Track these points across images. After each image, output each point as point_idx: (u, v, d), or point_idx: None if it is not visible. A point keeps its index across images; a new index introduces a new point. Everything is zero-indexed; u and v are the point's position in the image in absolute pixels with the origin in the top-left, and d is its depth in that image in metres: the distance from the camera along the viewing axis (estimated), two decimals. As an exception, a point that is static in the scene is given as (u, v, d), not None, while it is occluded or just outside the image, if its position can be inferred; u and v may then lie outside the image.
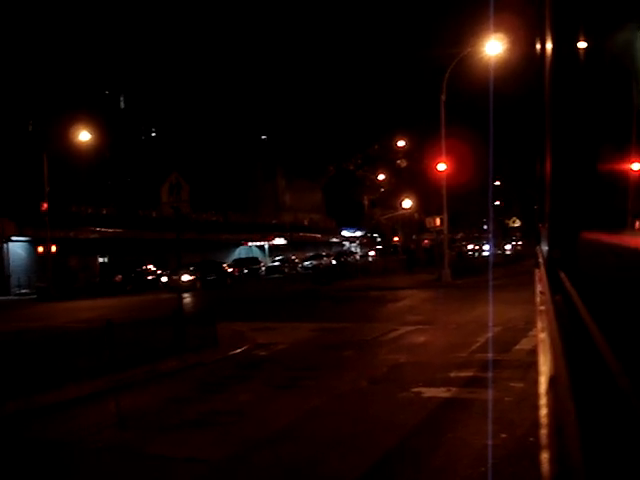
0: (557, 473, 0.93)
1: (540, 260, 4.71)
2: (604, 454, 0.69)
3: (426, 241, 64.41)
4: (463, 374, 10.15)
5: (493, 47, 30.04)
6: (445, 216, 32.10)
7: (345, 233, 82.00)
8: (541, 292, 3.63)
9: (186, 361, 12.42)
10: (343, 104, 63.30)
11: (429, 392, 9.07)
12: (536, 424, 6.73)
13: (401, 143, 52.09)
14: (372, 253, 66.13)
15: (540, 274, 4.33)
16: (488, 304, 19.84)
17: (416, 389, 9.26)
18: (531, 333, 13.74)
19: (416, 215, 63.06)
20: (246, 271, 53.41)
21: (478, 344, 12.96)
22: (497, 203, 72.16)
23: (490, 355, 11.64)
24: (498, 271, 37.61)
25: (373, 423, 7.75)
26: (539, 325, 2.87)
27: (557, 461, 0.97)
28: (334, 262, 63.46)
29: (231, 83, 74.19)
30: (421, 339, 14.28)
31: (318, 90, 69.66)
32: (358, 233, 78.29)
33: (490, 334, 14.20)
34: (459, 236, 75.10)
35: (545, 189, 2.95)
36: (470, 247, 70.77)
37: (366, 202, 61.22)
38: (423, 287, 29.69)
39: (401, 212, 48.27)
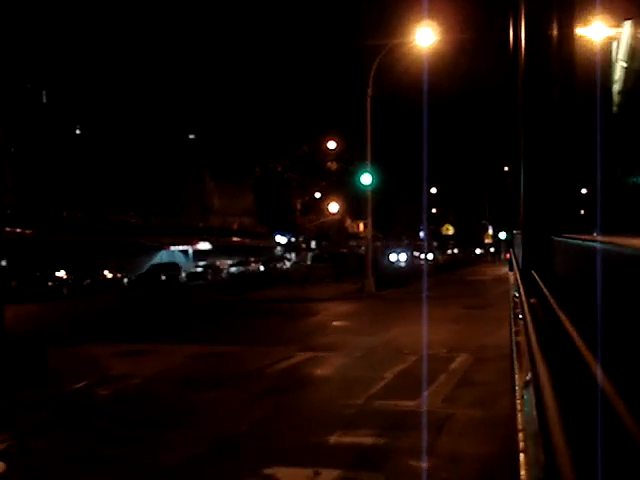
0: (536, 474, 0.95)
1: (514, 264, 4.82)
2: (590, 452, 0.71)
3: (363, 248, 61.70)
4: (347, 439, 7.10)
5: (425, 37, 27.37)
6: (369, 221, 29.21)
7: (281, 239, 78.66)
8: (515, 296, 3.52)
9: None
10: (274, 103, 60.34)
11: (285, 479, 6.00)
12: None
13: (332, 145, 49.37)
14: (290, 259, 62.88)
15: (514, 277, 4.29)
16: (408, 322, 17.10)
17: (269, 470, 6.17)
18: (452, 366, 10.92)
19: (348, 221, 60.41)
20: (164, 277, 49.60)
21: (383, 382, 9.98)
22: (434, 211, 70.25)
23: (393, 403, 8.67)
24: (430, 280, 34.96)
25: None
26: (513, 329, 2.73)
27: (533, 464, 1.00)
28: (262, 268, 60.18)
29: (158, 80, 70.44)
30: (315, 372, 11.25)
31: (248, 89, 66.51)
32: (294, 239, 75.20)
33: (402, 366, 11.27)
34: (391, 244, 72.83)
35: (519, 195, 3.14)
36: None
37: (298, 206, 58.30)
38: (344, 299, 26.70)
39: (330, 217, 45.38)
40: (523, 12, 2.75)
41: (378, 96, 36.10)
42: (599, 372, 0.84)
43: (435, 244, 76.63)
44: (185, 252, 64.19)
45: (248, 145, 59.42)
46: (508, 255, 58.88)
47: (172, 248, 62.17)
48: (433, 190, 69.44)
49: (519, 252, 3.55)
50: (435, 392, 9.18)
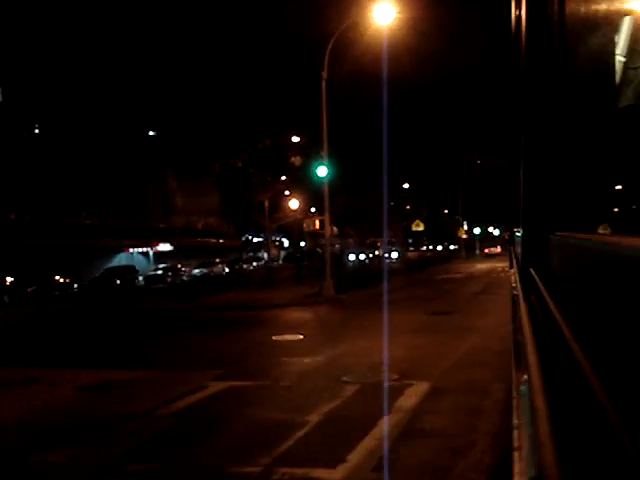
0: (529, 472, 0.94)
1: (514, 261, 4.78)
2: (578, 454, 0.71)
3: (337, 246, 59.38)
4: None
5: (383, 14, 24.79)
6: (327, 217, 26.60)
7: (253, 239, 75.42)
8: (515, 293, 3.41)
9: None
10: (236, 97, 57.74)
11: None
12: None
13: (295, 139, 46.72)
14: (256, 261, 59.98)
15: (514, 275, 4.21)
16: (361, 334, 14.62)
17: None
18: (400, 401, 8.33)
19: (315, 218, 57.62)
20: (119, 282, 46.49)
21: (302, 432, 7.36)
22: (408, 207, 68.09)
23: (302, 472, 6.09)
24: (397, 280, 32.39)
25: None
26: (512, 326, 2.86)
27: (526, 462, 0.99)
28: (227, 270, 57.34)
29: (117, 77, 67.56)
30: (220, 414, 8.57)
31: (209, 83, 63.75)
32: (262, 238, 72.12)
33: (335, 402, 8.68)
34: (370, 241, 70.22)
35: (519, 192, 3.21)
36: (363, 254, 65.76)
37: (266, 204, 55.53)
38: (299, 304, 24.01)
39: (291, 215, 42.71)
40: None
41: (343, 88, 33.55)
42: (589, 371, 0.85)
43: (410, 240, 74.50)
44: (146, 254, 61.04)
45: (210, 141, 56.63)
46: (486, 250, 57.18)
47: (131, 250, 59.08)
48: (406, 185, 67.22)
49: (519, 250, 3.58)
50: (367, 450, 6.59)
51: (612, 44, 1.93)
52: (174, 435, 7.71)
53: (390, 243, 64.04)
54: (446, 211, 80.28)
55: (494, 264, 49.63)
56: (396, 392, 8.95)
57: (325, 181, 25.81)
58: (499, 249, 73.41)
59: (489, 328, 14.78)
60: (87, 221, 57.33)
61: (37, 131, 72.04)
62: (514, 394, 1.72)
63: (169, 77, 66.83)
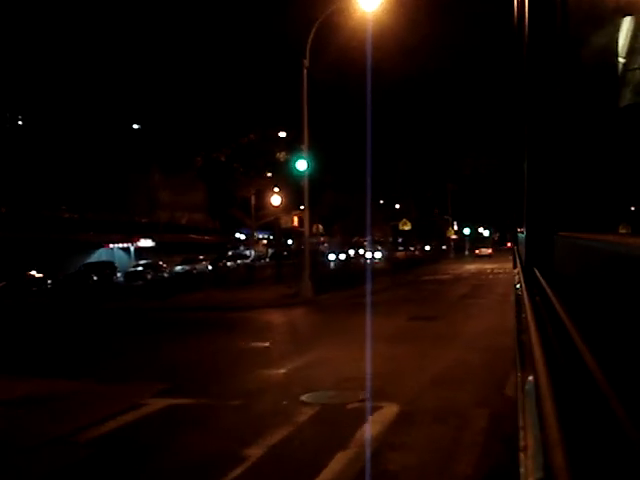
0: (535, 473, 0.93)
1: (518, 260, 4.64)
2: (586, 454, 0.71)
3: (326, 245, 58.11)
4: None
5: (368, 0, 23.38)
6: (306, 214, 25.16)
7: (239, 234, 73.78)
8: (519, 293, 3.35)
9: None
10: (221, 90, 56.24)
11: None
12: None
13: (282, 134, 45.32)
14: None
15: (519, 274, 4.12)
16: (334, 341, 13.28)
17: None
18: (362, 430, 6.97)
19: (303, 215, 56.25)
20: (96, 278, 44.84)
21: (238, 471, 5.95)
22: (397, 206, 66.83)
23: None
24: (381, 281, 30.96)
25: None
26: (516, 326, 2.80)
27: (532, 463, 1.00)
28: (210, 267, 55.87)
29: (100, 69, 65.93)
30: (150, 444, 7.15)
31: (194, 78, 62.22)
32: (243, 235, 70.52)
33: (285, 430, 7.27)
34: (355, 240, 68.86)
35: (521, 191, 3.20)
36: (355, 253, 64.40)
37: (253, 200, 54.02)
38: (275, 305, 22.55)
39: (274, 212, 41.26)
40: None
41: (331, 83, 32.15)
42: (597, 370, 0.86)
43: (399, 240, 73.14)
44: (126, 250, 59.31)
45: (196, 135, 55.10)
46: (477, 251, 55.90)
47: (112, 246, 57.39)
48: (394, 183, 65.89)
49: (522, 249, 3.56)
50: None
51: (615, 36, 1.86)
52: (83, 475, 6.29)
53: (378, 242, 62.65)
54: (436, 211, 79.02)
55: (483, 265, 48.41)
56: (360, 415, 7.57)
57: (305, 175, 24.35)
58: (490, 250, 71.76)
59: (473, 337, 13.46)
60: (66, 215, 55.57)
61: (20, 123, 70.45)
62: (519, 395, 1.68)
63: (153, 70, 65.23)
